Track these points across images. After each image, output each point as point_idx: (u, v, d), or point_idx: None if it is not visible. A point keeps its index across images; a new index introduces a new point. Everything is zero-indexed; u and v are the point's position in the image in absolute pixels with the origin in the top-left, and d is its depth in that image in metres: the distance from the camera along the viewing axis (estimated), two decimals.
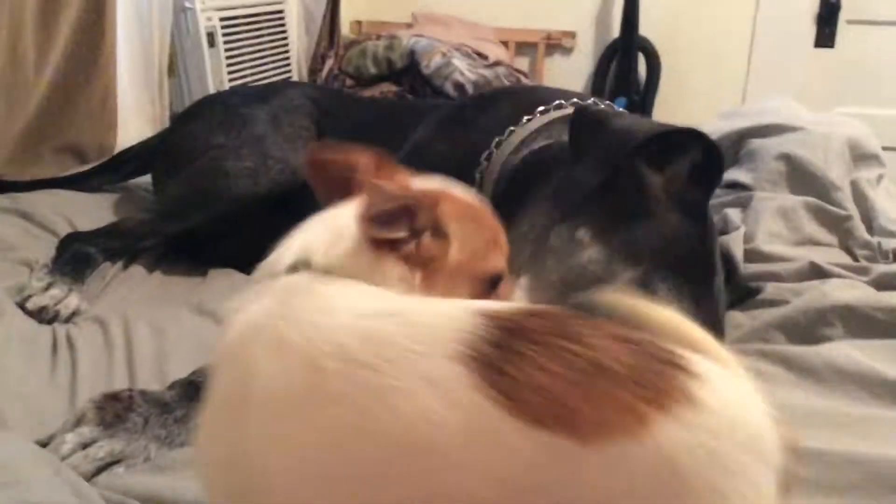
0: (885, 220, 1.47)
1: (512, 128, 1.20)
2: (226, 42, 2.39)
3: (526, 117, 1.21)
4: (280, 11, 2.65)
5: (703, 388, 0.51)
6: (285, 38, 2.69)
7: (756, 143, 1.61)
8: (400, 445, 0.51)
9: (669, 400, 0.49)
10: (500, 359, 0.51)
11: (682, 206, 1.00)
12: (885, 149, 2.89)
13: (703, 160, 1.02)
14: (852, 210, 1.50)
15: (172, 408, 0.96)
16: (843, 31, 3.02)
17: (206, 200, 1.44)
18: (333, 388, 0.53)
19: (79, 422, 0.92)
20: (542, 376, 0.50)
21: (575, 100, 1.25)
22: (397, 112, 1.61)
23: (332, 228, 0.63)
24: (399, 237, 0.61)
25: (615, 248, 0.95)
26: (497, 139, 1.20)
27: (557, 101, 1.23)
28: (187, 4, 2.24)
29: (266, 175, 1.45)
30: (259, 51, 2.56)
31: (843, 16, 3.00)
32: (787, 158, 1.53)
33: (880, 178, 1.64)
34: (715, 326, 0.95)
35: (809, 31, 3.04)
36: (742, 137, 1.65)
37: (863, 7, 2.99)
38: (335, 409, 0.52)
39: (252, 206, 1.44)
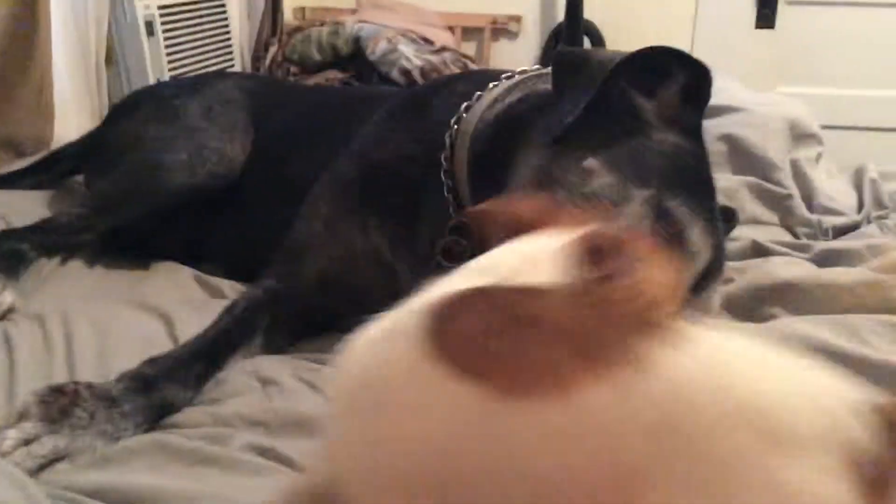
0: (824, 198, 1.50)
1: (479, 92, 1.14)
2: (165, 31, 2.33)
3: (491, 83, 1.15)
4: None
5: (673, 352, 0.43)
6: (227, 26, 2.64)
7: None
8: None
9: (608, 361, 0.43)
10: None
11: (678, 128, 0.99)
12: (825, 127, 2.97)
13: (691, 81, 1.01)
14: (793, 189, 1.53)
15: (119, 402, 0.94)
16: (783, 11, 3.07)
17: (142, 194, 1.41)
18: None
19: (21, 417, 0.89)
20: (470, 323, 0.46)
21: (537, 66, 1.20)
22: (341, 100, 1.59)
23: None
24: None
25: (626, 172, 0.91)
26: (465, 104, 1.13)
27: (521, 69, 1.18)
28: None
29: (202, 167, 1.43)
30: (200, 39, 2.51)
31: None
32: (728, 139, 1.56)
33: (819, 156, 1.68)
34: (720, 249, 0.94)
35: (750, 12, 3.09)
36: None
37: None
38: None
39: (190, 199, 1.41)
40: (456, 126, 1.11)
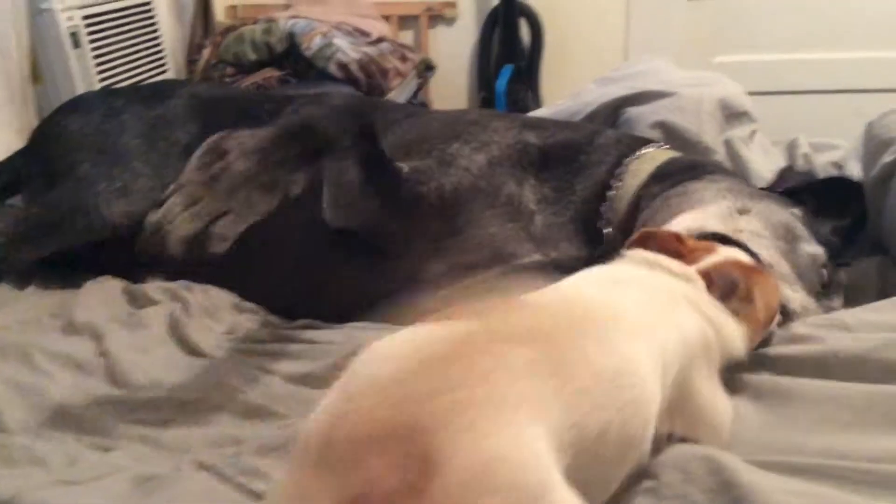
0: (758, 179, 1.52)
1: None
2: (92, 41, 2.27)
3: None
4: (147, 3, 2.54)
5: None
6: (156, 31, 2.58)
7: (632, 111, 1.64)
8: None
9: None
10: None
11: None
12: (764, 93, 3.02)
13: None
14: None
15: None
16: None
17: (72, 230, 1.39)
18: None
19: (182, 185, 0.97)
20: None
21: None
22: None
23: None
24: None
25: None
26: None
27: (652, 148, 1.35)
28: (43, 6, 2.12)
29: (140, 193, 1.40)
30: (129, 47, 2.45)
31: None
32: (662, 126, 1.57)
33: (753, 133, 1.70)
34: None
35: None
36: (618, 107, 1.68)
37: None
38: None
39: (127, 230, 1.39)
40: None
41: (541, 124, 1.41)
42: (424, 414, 0.56)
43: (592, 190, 1.29)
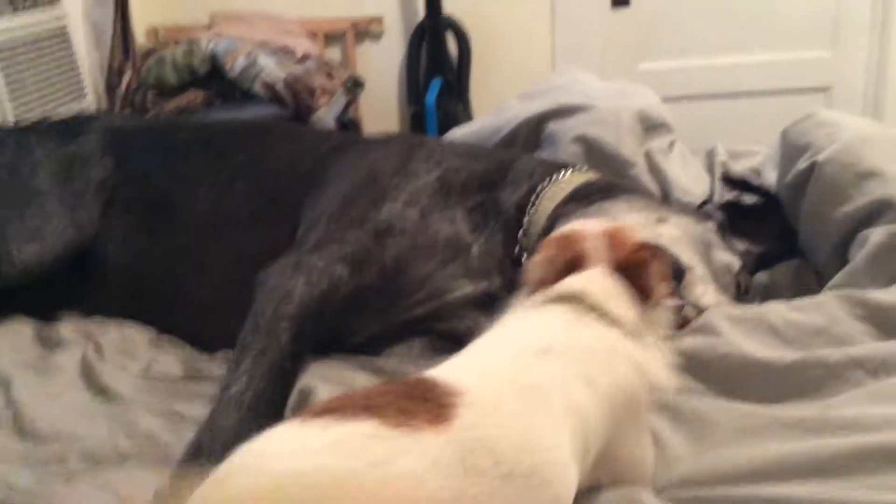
0: (678, 191, 1.54)
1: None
2: (5, 71, 2.21)
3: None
4: (62, 28, 2.47)
5: None
6: (72, 58, 2.51)
7: (553, 126, 1.65)
8: None
9: None
10: None
11: None
12: (688, 97, 3.08)
13: None
14: (649, 183, 1.56)
15: None
16: None
17: None
18: None
19: None
20: None
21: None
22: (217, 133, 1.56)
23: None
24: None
25: None
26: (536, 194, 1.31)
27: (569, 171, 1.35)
28: None
29: (53, 234, 1.37)
30: (45, 75, 2.38)
31: None
32: (582, 140, 1.58)
33: (672, 144, 1.72)
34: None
35: None
36: (540, 122, 1.68)
37: None
38: None
39: (39, 273, 1.36)
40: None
41: (459, 154, 1.39)
42: None
43: (514, 216, 1.29)
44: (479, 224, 1.29)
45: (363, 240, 1.23)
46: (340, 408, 0.66)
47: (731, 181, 1.60)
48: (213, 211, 1.41)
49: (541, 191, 1.28)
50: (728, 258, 1.19)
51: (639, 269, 0.87)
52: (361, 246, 1.22)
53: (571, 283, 0.86)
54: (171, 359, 1.27)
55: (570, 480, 0.70)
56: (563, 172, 1.32)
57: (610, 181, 1.35)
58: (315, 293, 1.15)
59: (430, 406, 0.67)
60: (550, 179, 1.30)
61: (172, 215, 1.43)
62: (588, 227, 0.93)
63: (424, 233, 1.26)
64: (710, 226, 1.24)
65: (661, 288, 0.89)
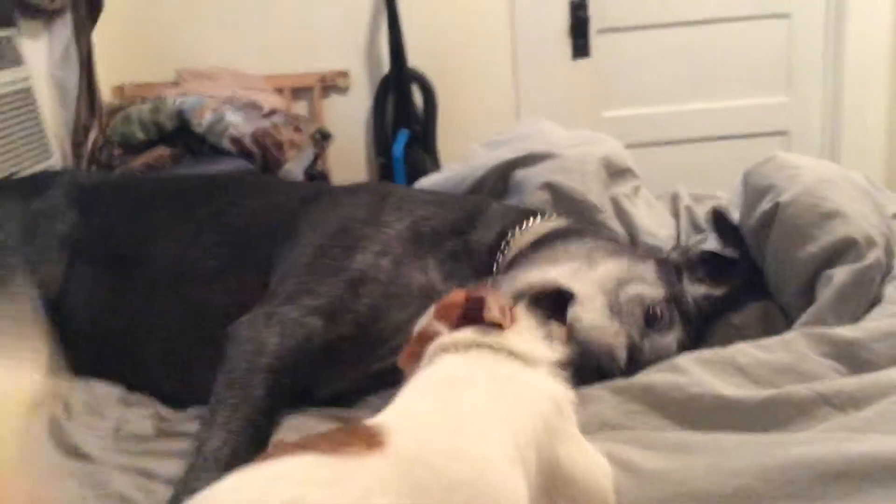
0: (645, 234, 1.57)
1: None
2: None
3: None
4: (27, 89, 2.47)
5: None
6: (36, 118, 2.50)
7: (520, 174, 1.67)
8: None
9: None
10: None
11: None
12: (648, 144, 3.14)
13: None
14: (617, 227, 1.59)
15: None
16: (596, 40, 3.21)
17: None
18: None
19: None
20: None
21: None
22: (187, 186, 1.56)
23: None
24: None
25: None
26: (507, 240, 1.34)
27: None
28: None
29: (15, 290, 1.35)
30: (8, 134, 2.37)
31: (593, 26, 3.19)
32: (549, 187, 1.60)
33: (637, 189, 1.75)
34: None
35: (565, 43, 3.21)
36: (507, 169, 1.71)
37: (609, 16, 3.19)
38: None
39: None
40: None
41: (429, 203, 1.41)
42: None
43: (486, 261, 1.30)
44: (451, 272, 1.30)
45: (337, 290, 1.23)
46: (276, 452, 0.67)
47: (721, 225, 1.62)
48: (177, 264, 1.40)
49: (510, 237, 1.30)
50: (642, 290, 1.22)
51: (476, 311, 0.91)
52: (335, 296, 1.22)
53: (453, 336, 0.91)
54: (140, 416, 1.25)
55: (514, 482, 0.72)
56: (531, 220, 1.34)
57: (578, 227, 1.37)
58: (289, 345, 1.15)
59: (363, 437, 0.69)
60: (520, 226, 1.31)
61: (137, 269, 1.42)
62: (425, 318, 0.98)
63: (398, 282, 1.26)
64: (650, 265, 1.28)
65: (502, 314, 0.92)
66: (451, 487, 0.67)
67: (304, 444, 0.68)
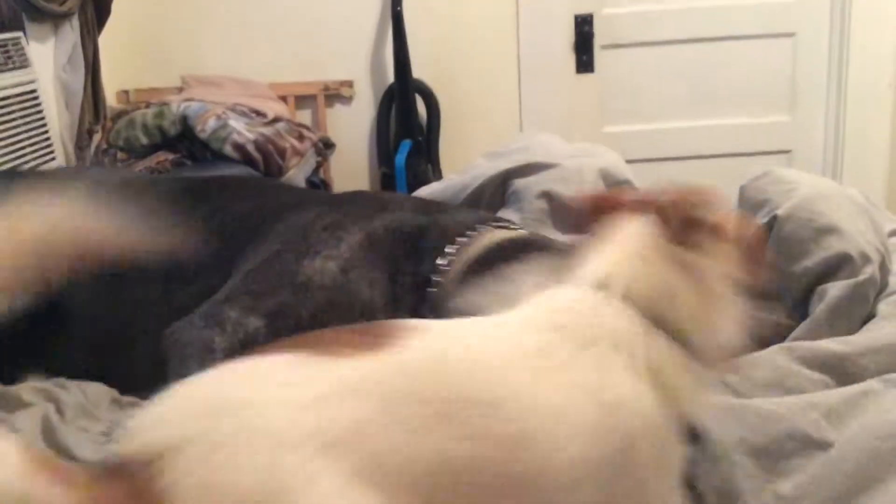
0: None
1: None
2: None
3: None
4: (33, 91, 2.49)
5: None
6: (42, 118, 2.52)
7: (519, 183, 1.68)
8: None
9: None
10: None
11: None
12: (648, 160, 3.14)
13: None
14: None
15: None
16: (600, 55, 3.23)
17: None
18: None
19: None
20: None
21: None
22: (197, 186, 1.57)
23: None
24: None
25: None
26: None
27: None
28: None
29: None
30: (14, 135, 2.38)
31: (597, 42, 3.20)
32: (547, 196, 1.61)
33: None
34: None
35: (570, 58, 3.22)
36: (506, 178, 1.72)
37: (614, 32, 3.20)
38: None
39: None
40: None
41: (390, 209, 1.37)
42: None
43: (431, 273, 1.26)
44: (394, 295, 1.27)
45: (281, 293, 1.21)
46: (270, 348, 0.65)
47: None
48: (166, 264, 1.39)
49: (458, 246, 1.27)
50: None
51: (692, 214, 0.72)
52: (279, 299, 1.21)
53: (600, 262, 0.74)
54: (133, 419, 1.24)
55: (553, 436, 0.62)
56: (473, 234, 1.29)
57: (524, 240, 1.31)
58: (233, 343, 1.13)
59: (375, 337, 0.63)
60: (466, 236, 1.28)
61: (134, 269, 1.42)
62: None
63: (344, 290, 1.24)
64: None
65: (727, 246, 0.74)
66: (460, 401, 0.59)
67: (302, 342, 0.64)
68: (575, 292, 0.72)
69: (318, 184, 2.89)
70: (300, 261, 1.25)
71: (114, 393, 1.34)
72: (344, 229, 1.30)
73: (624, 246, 0.74)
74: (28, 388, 1.30)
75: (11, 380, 1.37)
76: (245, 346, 1.14)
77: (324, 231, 1.30)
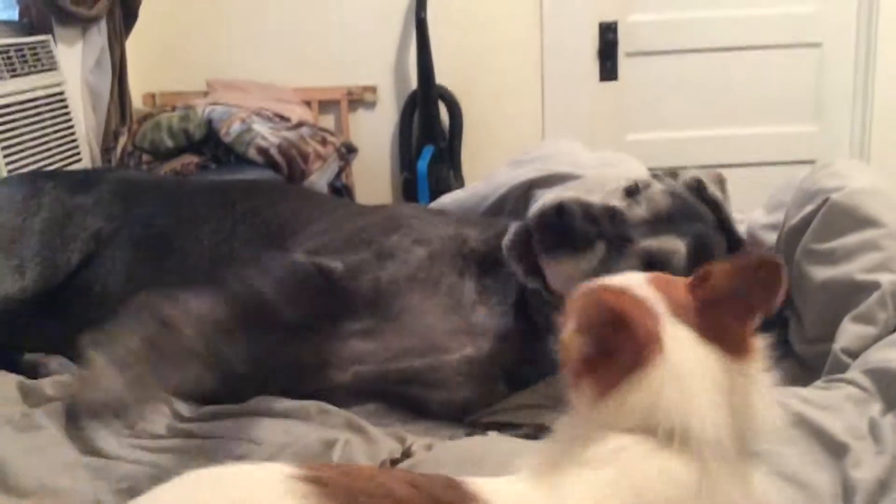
0: None
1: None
2: (1, 133, 2.24)
3: None
4: (60, 93, 2.52)
5: None
6: (69, 120, 2.55)
7: (541, 193, 1.67)
8: None
9: None
10: None
11: None
12: (671, 169, 3.10)
13: None
14: None
15: None
16: (624, 63, 3.23)
17: None
18: None
19: None
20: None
21: None
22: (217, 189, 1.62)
23: None
24: None
25: None
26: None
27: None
28: None
29: (34, 272, 1.45)
30: (41, 136, 2.42)
31: (622, 49, 3.20)
32: None
33: None
34: None
35: (594, 66, 3.23)
36: (530, 188, 1.71)
37: (638, 40, 3.20)
38: None
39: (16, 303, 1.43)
40: None
41: (474, 220, 1.46)
42: None
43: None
44: (489, 288, 1.33)
45: (363, 254, 1.30)
46: (321, 478, 0.59)
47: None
48: (213, 251, 1.46)
49: None
50: None
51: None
52: (360, 258, 1.29)
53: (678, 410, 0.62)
54: (157, 413, 1.26)
55: None
56: None
57: None
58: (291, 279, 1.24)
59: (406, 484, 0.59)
60: None
61: (175, 253, 1.47)
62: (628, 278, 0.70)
63: (427, 271, 1.30)
64: None
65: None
66: None
67: (356, 486, 0.60)
68: (656, 455, 0.61)
69: (340, 188, 2.91)
70: (388, 235, 1.33)
71: None
72: (434, 224, 1.38)
73: (690, 382, 0.62)
74: (51, 383, 1.31)
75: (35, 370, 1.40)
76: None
77: (413, 218, 1.40)
